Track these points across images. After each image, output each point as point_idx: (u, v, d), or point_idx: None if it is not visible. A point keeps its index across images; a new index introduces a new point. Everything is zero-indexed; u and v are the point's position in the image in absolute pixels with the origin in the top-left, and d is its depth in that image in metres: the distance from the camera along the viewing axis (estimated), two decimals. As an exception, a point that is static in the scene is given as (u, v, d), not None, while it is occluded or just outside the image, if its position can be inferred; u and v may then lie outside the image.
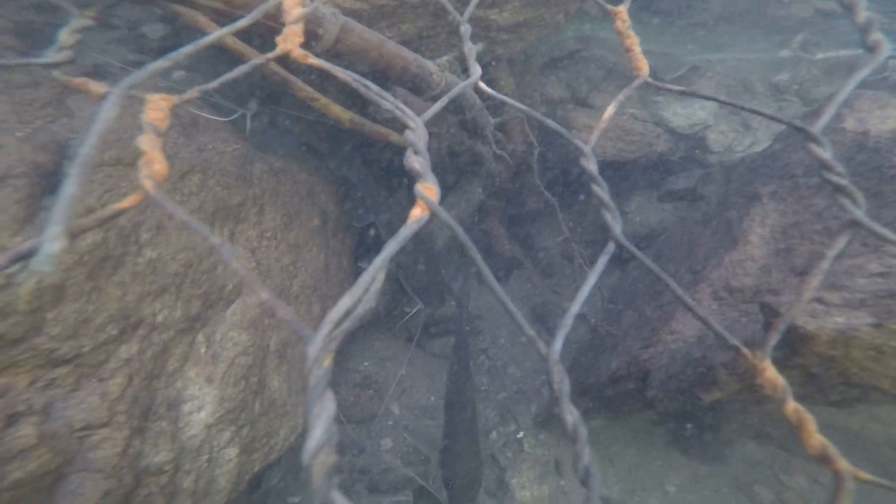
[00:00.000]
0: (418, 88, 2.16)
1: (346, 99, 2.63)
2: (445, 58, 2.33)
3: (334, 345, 0.66)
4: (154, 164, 0.69)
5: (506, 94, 3.48)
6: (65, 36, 0.86)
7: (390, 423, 3.21)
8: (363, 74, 2.01)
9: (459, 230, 0.91)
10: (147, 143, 0.70)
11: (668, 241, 2.64)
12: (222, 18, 1.60)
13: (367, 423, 3.12)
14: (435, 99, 2.30)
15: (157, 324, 1.26)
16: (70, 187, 0.56)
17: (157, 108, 0.76)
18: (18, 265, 0.54)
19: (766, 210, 1.84)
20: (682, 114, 2.98)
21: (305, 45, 1.59)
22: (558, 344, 0.89)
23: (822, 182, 1.75)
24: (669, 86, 1.57)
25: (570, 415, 0.81)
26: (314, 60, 1.16)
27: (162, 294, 1.27)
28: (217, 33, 0.95)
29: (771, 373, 1.03)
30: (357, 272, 3.25)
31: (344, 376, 3.13)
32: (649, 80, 1.55)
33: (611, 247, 1.10)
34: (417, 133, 1.05)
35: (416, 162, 0.96)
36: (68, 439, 1.04)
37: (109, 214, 0.63)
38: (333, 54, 1.66)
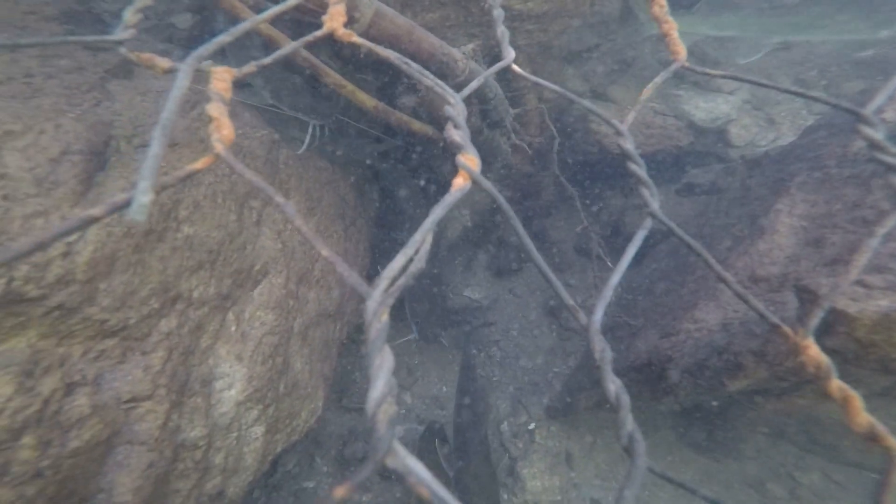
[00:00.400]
0: (443, 74, 2.16)
1: (367, 90, 2.64)
2: (471, 46, 2.32)
3: (391, 300, 0.68)
4: (223, 129, 0.71)
5: (524, 85, 3.49)
6: (129, 15, 0.89)
7: (402, 411, 3.23)
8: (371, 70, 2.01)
9: (501, 199, 0.92)
10: (215, 110, 0.73)
11: (688, 234, 2.63)
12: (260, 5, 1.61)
13: (381, 411, 3.11)
14: (459, 86, 2.30)
15: (194, 299, 1.27)
16: (155, 147, 0.59)
17: (221, 79, 0.78)
18: (79, 232, 0.56)
19: (794, 200, 1.83)
20: (705, 107, 2.96)
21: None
22: (599, 314, 0.90)
23: (855, 173, 1.74)
24: (709, 71, 1.56)
25: (613, 384, 0.82)
26: (358, 39, 1.17)
27: (198, 270, 1.28)
28: (274, 9, 0.96)
29: (814, 351, 1.03)
30: (373, 261, 3.26)
31: (358, 363, 3.14)
32: (687, 64, 1.55)
33: (648, 222, 1.10)
34: (457, 108, 1.07)
35: (457, 135, 0.98)
36: (116, 411, 1.06)
37: (186, 174, 0.65)
38: (368, 38, 1.66)
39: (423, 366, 3.48)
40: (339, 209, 2.62)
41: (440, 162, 3.02)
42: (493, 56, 3.02)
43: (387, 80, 2.72)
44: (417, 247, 0.79)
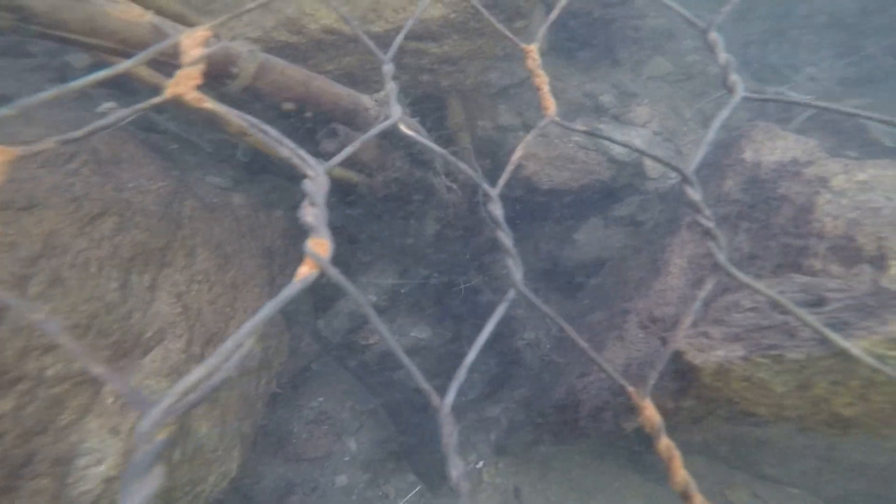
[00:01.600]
0: (354, 123, 2.18)
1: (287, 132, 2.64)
2: (383, 92, 2.36)
3: (172, 418, 0.66)
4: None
5: (457, 123, 3.56)
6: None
7: (346, 459, 3.14)
8: (292, 110, 2.02)
9: (358, 294, 0.91)
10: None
11: (609, 270, 2.70)
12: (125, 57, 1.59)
13: (322, 460, 3.04)
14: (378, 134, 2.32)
15: (47, 378, 1.21)
16: None
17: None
18: None
19: (684, 240, 1.90)
20: (622, 140, 3.07)
21: (219, 83, 1.60)
22: (450, 397, 0.90)
23: (726, 213, 1.83)
24: (577, 126, 1.62)
25: (455, 469, 0.82)
26: (209, 104, 1.16)
27: (54, 348, 1.23)
28: (85, 79, 0.94)
29: (650, 411, 1.06)
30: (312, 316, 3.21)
31: (297, 413, 3.06)
32: (556, 119, 1.61)
33: (511, 294, 1.12)
34: (317, 182, 1.06)
35: (311, 215, 0.96)
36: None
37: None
38: (254, 92, 1.67)
39: (368, 409, 3.41)
40: (265, 259, 2.58)
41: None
42: (422, 92, 3.09)
43: (309, 126, 2.73)
44: (228, 354, 0.77)
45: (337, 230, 3.08)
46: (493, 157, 3.66)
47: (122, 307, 1.49)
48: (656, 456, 2.24)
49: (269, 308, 0.89)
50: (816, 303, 1.26)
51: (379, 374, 3.40)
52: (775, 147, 1.95)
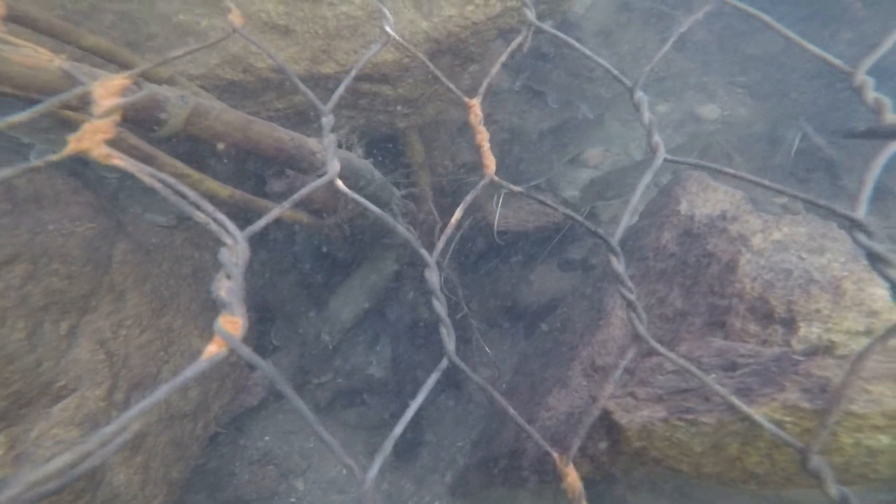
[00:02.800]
0: (301, 168, 2.17)
1: (235, 170, 2.61)
2: (333, 135, 2.36)
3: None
4: None
5: (416, 161, 3.59)
6: None
7: (293, 500, 3.02)
8: (231, 155, 1.99)
9: (265, 366, 0.87)
10: None
11: (561, 315, 2.72)
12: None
13: (266, 500, 2.92)
14: (321, 175, 2.32)
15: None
16: None
17: None
18: None
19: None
20: (573, 182, 3.15)
21: (147, 129, 1.58)
22: (373, 471, 0.87)
23: (663, 268, 1.87)
24: (512, 186, 1.65)
25: None
26: (118, 161, 1.13)
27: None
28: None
29: (573, 478, 1.06)
30: (259, 352, 3.13)
31: (240, 453, 2.94)
32: (495, 178, 1.63)
33: (444, 363, 1.11)
34: (235, 251, 1.01)
35: (224, 289, 0.91)
36: None
37: None
38: (188, 138, 1.65)
39: (318, 448, 3.31)
40: (210, 301, 2.51)
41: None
42: (379, 133, 3.11)
43: (256, 166, 2.71)
44: (107, 440, 0.73)
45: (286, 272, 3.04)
46: (453, 195, 3.70)
47: (27, 357, 1.42)
48: (606, 495, 2.22)
49: (163, 390, 0.85)
50: (729, 367, 1.29)
51: (329, 414, 3.32)
52: (707, 199, 2.01)
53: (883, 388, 1.03)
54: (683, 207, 2.03)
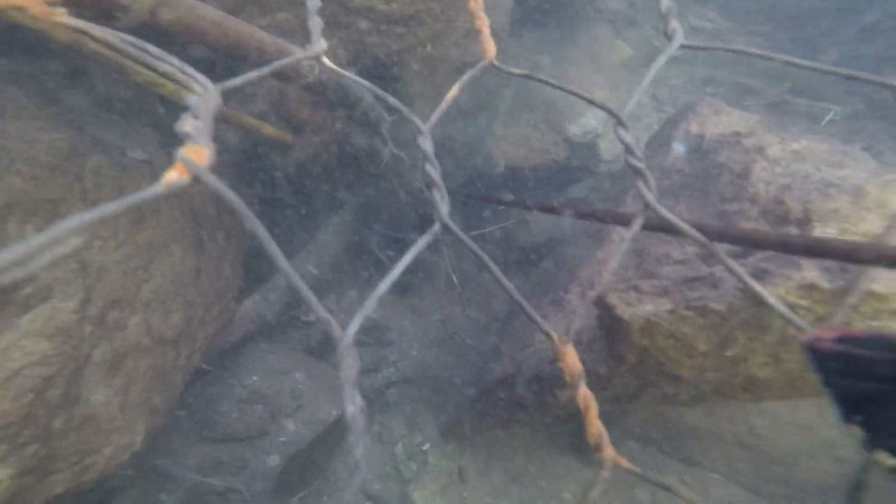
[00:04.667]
0: (283, 75, 2.03)
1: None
2: (318, 18, 2.19)
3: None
4: None
5: (414, 92, 3.41)
6: None
7: (282, 439, 3.00)
8: (210, 57, 1.84)
9: (230, 194, 0.79)
10: None
11: (560, 253, 2.65)
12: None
13: (255, 440, 2.89)
14: (307, 88, 2.18)
15: None
16: None
17: None
18: None
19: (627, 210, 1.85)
20: (576, 122, 3.02)
21: (108, 16, 1.43)
22: (353, 327, 0.82)
23: (665, 187, 1.78)
24: (512, 69, 1.53)
25: (352, 405, 0.74)
26: (65, 19, 1.01)
27: None
28: None
29: (572, 358, 0.99)
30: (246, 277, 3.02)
31: (227, 391, 2.89)
32: (496, 62, 1.51)
33: (436, 227, 1.04)
34: (204, 99, 0.92)
35: (190, 125, 0.83)
36: None
37: None
38: (157, 30, 1.50)
39: (308, 389, 3.27)
40: (191, 223, 2.39)
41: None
42: (371, 57, 2.93)
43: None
44: (34, 252, 0.64)
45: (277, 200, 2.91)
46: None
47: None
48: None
49: (106, 209, 0.75)
50: (742, 254, 1.21)
51: (319, 356, 3.27)
52: (720, 121, 1.91)
53: None
54: (694, 128, 1.94)
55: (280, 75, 2.00)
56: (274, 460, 2.79)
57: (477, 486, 3.31)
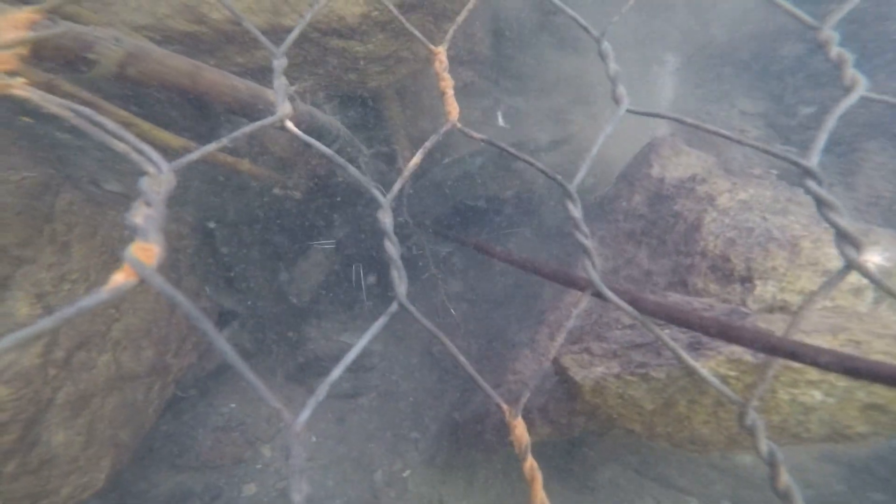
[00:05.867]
0: (256, 119, 2.05)
1: (191, 121, 2.49)
2: (293, 87, 2.26)
3: None
4: None
5: (394, 124, 3.48)
6: None
7: (258, 466, 2.99)
8: (180, 102, 1.88)
9: (185, 302, 0.81)
10: None
11: (532, 283, 2.69)
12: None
13: (230, 467, 2.88)
14: (283, 130, 2.21)
15: None
16: None
17: None
18: None
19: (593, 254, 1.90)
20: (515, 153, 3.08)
21: (74, 69, 1.47)
22: (305, 415, 0.83)
23: (632, 229, 1.83)
24: (474, 134, 1.57)
25: (298, 494, 0.75)
26: (20, 91, 1.04)
27: None
28: None
29: (520, 430, 1.02)
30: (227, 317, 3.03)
31: (203, 419, 2.89)
32: (458, 125, 1.55)
33: (394, 307, 1.06)
34: (157, 181, 0.94)
35: (141, 216, 0.85)
36: None
37: None
38: (128, 81, 1.54)
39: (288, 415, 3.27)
40: (168, 257, 2.42)
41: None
42: (353, 95, 2.99)
43: (211, 120, 2.58)
44: None
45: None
46: (436, 157, 3.60)
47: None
48: (577, 466, 2.22)
49: (37, 327, 0.76)
50: None
51: (299, 382, 3.28)
52: (679, 163, 1.97)
53: (821, 340, 1.00)
54: (655, 171, 1.99)
55: (254, 119, 2.04)
56: (250, 489, 2.78)
57: (456, 513, 3.30)
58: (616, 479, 2.99)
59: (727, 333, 0.83)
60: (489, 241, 3.18)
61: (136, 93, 2.08)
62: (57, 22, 1.30)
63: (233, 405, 3.03)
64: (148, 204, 0.87)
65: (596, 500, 2.96)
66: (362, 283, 3.34)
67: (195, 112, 2.32)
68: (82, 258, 1.86)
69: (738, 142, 1.12)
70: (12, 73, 1.13)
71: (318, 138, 2.44)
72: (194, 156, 1.13)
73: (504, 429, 1.93)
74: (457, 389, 3.60)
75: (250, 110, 1.98)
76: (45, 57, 1.44)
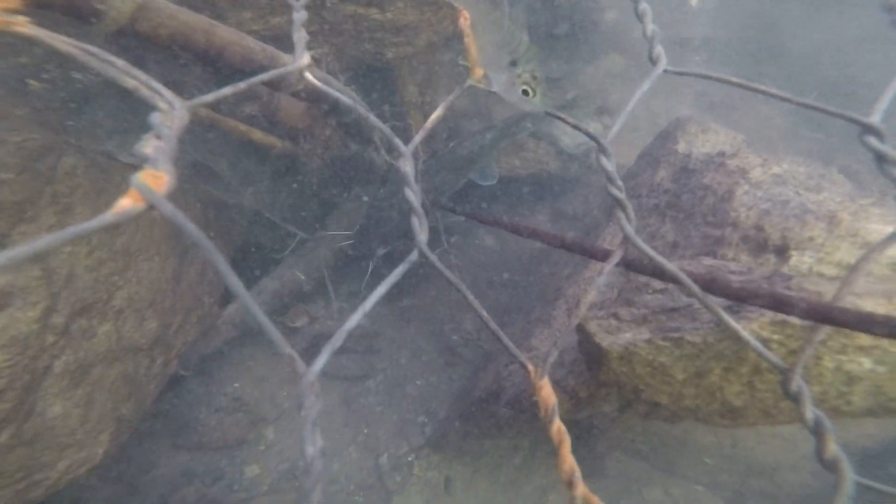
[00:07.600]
0: (272, 82, 2.00)
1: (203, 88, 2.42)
2: (310, 53, 2.17)
3: None
4: None
5: (408, 101, 3.40)
6: None
7: (261, 448, 2.95)
8: (193, 63, 1.81)
9: (185, 224, 0.76)
10: None
11: (546, 263, 2.62)
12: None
13: (233, 448, 2.84)
14: (296, 95, 2.14)
15: None
16: None
17: None
18: None
19: (615, 229, 1.82)
20: (570, 133, 2.99)
21: (83, 20, 1.40)
22: (319, 364, 0.76)
23: (657, 203, 1.75)
24: (495, 88, 1.50)
25: (312, 446, 0.70)
26: (25, 29, 0.97)
27: None
28: None
29: (547, 391, 0.96)
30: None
31: (206, 399, 2.84)
32: (479, 83, 1.49)
33: (414, 255, 1.02)
34: (170, 117, 0.89)
35: (151, 146, 0.80)
36: None
37: None
38: (140, 36, 1.47)
39: (290, 396, 3.22)
40: (174, 227, 2.36)
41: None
42: (365, 65, 2.91)
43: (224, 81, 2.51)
44: None
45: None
46: (451, 135, 3.53)
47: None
48: (585, 454, 2.13)
49: (32, 246, 0.71)
50: None
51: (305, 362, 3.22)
52: (707, 140, 1.89)
53: (874, 303, 0.93)
54: (681, 147, 1.91)
55: (271, 83, 1.97)
56: (253, 470, 2.74)
57: (463, 499, 3.26)
58: (624, 467, 2.94)
59: (776, 305, 0.75)
60: (511, 218, 3.10)
61: (139, 58, 2.01)
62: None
63: (237, 385, 2.98)
64: (158, 136, 0.81)
65: (605, 488, 2.91)
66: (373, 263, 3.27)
67: (208, 77, 2.24)
68: (85, 220, 1.80)
69: (787, 100, 1.05)
70: (13, 11, 1.07)
71: (335, 106, 2.37)
72: (210, 97, 1.06)
73: (518, 404, 1.86)
74: (466, 373, 3.55)
75: (263, 72, 1.89)
76: (51, 6, 1.37)
